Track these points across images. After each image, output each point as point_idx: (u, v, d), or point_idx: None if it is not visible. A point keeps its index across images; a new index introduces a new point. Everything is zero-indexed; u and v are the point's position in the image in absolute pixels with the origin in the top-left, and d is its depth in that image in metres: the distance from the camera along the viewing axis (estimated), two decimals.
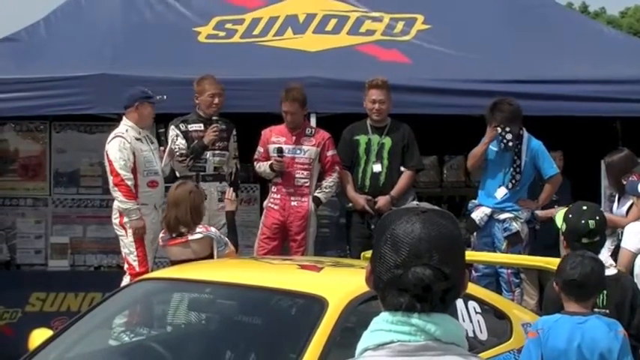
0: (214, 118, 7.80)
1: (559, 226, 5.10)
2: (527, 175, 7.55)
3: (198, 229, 6.39)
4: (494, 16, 8.89)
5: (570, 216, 4.95)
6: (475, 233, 7.61)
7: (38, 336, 5.03)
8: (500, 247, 7.45)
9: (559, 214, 5.19)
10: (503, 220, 7.50)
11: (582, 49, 8.54)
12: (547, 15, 9.03)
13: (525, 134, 7.51)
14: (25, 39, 8.75)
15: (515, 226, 7.48)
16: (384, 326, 2.03)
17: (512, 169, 7.49)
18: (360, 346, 2.05)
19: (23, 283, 8.69)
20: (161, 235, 6.66)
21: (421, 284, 2.00)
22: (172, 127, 7.78)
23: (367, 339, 2.05)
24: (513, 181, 7.49)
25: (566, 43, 8.61)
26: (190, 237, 6.38)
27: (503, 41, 8.52)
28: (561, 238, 5.12)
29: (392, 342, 2.01)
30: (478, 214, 7.54)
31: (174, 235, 6.46)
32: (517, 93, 7.75)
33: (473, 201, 7.76)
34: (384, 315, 2.05)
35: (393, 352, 2.00)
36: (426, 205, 2.13)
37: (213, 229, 6.55)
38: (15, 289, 8.54)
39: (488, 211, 7.52)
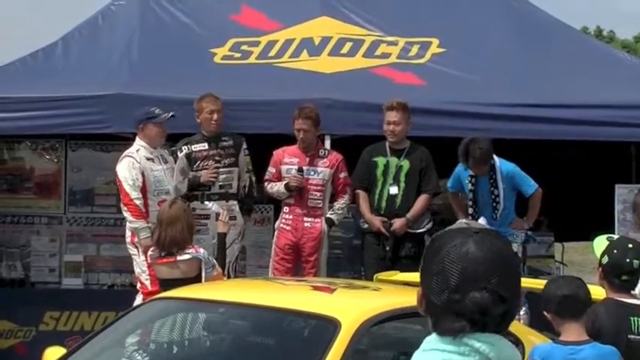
0: (223, 135, 7.80)
1: (598, 256, 5.07)
2: (508, 202, 7.62)
3: (187, 250, 6.37)
4: (509, 40, 8.90)
5: (615, 251, 4.93)
6: None
7: (51, 354, 5.04)
8: None
9: (599, 243, 5.15)
10: None
11: (596, 73, 8.54)
12: (560, 39, 9.05)
13: (497, 162, 7.53)
14: (43, 58, 8.81)
15: None
16: (437, 346, 1.99)
17: (491, 201, 7.55)
18: None
19: (37, 301, 8.69)
20: (150, 252, 6.65)
21: (479, 309, 1.94)
22: (177, 149, 7.80)
23: (419, 359, 2.00)
24: (496, 212, 7.56)
25: (580, 68, 8.62)
26: (179, 257, 6.36)
27: (518, 65, 8.53)
28: (598, 268, 5.09)
29: None
30: None
31: (162, 254, 6.46)
32: (531, 117, 7.77)
33: None
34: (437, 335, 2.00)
35: None
36: (477, 225, 2.08)
37: (202, 250, 6.52)
38: (29, 307, 8.54)
39: None
